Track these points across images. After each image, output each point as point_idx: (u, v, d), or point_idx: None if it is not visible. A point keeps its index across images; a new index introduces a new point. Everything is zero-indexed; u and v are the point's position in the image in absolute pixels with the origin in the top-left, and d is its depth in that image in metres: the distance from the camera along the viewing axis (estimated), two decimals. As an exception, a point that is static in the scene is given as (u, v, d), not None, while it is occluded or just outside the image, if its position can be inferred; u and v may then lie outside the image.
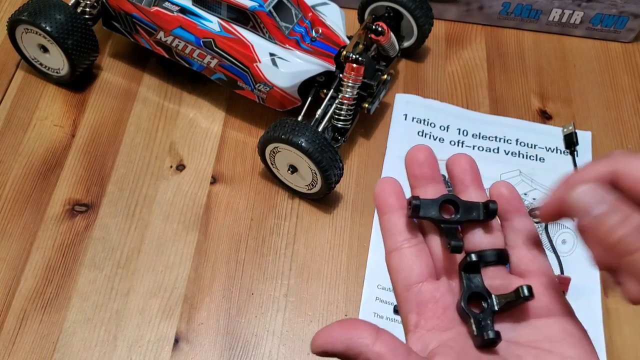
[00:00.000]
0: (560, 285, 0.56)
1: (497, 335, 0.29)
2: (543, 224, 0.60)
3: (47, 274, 0.56)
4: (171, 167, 0.63)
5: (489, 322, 0.29)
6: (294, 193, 0.61)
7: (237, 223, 0.60)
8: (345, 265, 0.58)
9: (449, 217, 0.32)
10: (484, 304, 0.30)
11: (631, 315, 0.56)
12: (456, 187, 0.33)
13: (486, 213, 0.32)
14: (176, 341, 0.53)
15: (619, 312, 0.56)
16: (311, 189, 0.59)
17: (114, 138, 0.65)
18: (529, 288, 0.29)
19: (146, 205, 0.60)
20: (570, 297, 0.56)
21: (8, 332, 0.53)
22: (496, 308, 0.30)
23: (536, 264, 0.32)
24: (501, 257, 0.32)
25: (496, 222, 0.33)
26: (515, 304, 0.30)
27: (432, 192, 0.33)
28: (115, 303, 0.55)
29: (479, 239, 0.32)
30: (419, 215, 0.31)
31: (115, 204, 0.60)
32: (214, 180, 0.62)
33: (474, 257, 0.30)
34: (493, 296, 0.30)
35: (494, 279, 0.31)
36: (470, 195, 0.33)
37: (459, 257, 0.32)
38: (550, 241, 0.59)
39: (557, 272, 0.57)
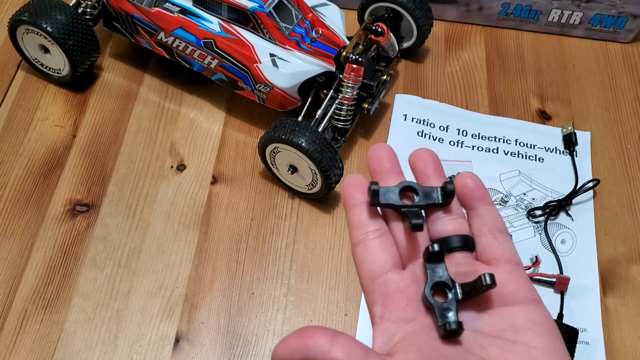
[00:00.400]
0: (560, 285, 0.56)
1: (460, 326, 0.29)
2: (542, 223, 0.60)
3: (48, 274, 0.56)
4: (172, 167, 0.63)
5: (452, 311, 0.29)
6: (294, 193, 0.62)
7: (237, 223, 0.60)
8: (345, 265, 0.58)
9: (410, 203, 0.32)
10: (448, 294, 0.30)
11: (631, 315, 0.56)
12: (419, 180, 0.34)
13: (444, 195, 0.32)
14: (177, 340, 0.54)
15: (618, 312, 0.56)
16: (311, 189, 0.59)
17: (114, 138, 0.65)
18: (491, 276, 0.29)
19: (147, 205, 0.61)
20: (569, 296, 0.56)
21: (9, 331, 0.53)
22: (460, 297, 0.30)
23: (501, 251, 0.32)
24: (466, 243, 0.32)
25: (460, 209, 0.33)
26: (479, 292, 0.30)
27: (393, 183, 0.33)
28: (116, 303, 0.55)
29: (442, 226, 0.32)
30: (380, 202, 0.32)
31: (116, 204, 0.60)
32: (215, 180, 0.63)
33: (436, 247, 0.30)
34: (457, 285, 0.30)
35: (460, 266, 0.31)
36: (433, 184, 0.33)
37: (424, 244, 0.32)
38: (550, 241, 0.59)
39: (556, 271, 0.57)
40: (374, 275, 0.31)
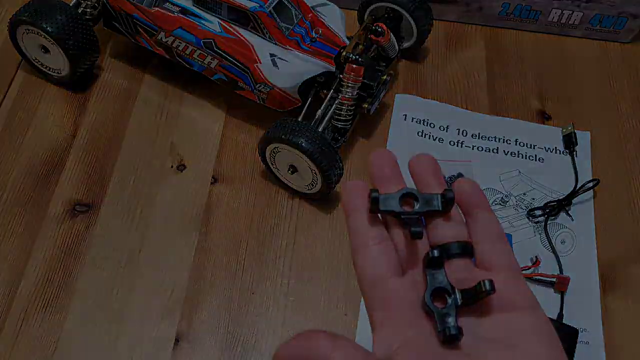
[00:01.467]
0: (560, 285, 0.56)
1: (459, 331, 0.29)
2: (542, 223, 0.60)
3: (48, 274, 0.56)
4: (172, 167, 0.63)
5: (452, 317, 0.29)
6: (294, 193, 0.62)
7: (237, 223, 0.60)
8: (345, 265, 0.58)
9: (410, 210, 0.32)
10: (448, 299, 0.30)
11: (631, 315, 0.56)
12: (419, 185, 0.34)
13: (444, 202, 0.32)
14: (177, 340, 0.54)
15: (618, 312, 0.56)
16: (311, 189, 0.59)
17: (114, 138, 0.65)
18: (490, 282, 0.29)
19: (147, 205, 0.61)
20: (569, 296, 0.56)
21: (9, 331, 0.53)
22: (459, 303, 0.30)
23: (500, 258, 0.32)
24: (465, 249, 0.32)
25: (459, 216, 0.33)
26: (478, 298, 0.30)
27: (393, 190, 0.33)
28: (116, 303, 0.55)
29: (441, 232, 0.33)
30: (380, 209, 0.32)
31: (116, 204, 0.60)
32: (215, 180, 0.63)
33: (436, 252, 0.31)
34: (456, 291, 0.30)
35: (459, 272, 0.32)
36: (433, 191, 0.33)
37: (424, 250, 0.32)
38: (550, 241, 0.59)
39: (556, 271, 0.57)
40: (374, 281, 0.31)
